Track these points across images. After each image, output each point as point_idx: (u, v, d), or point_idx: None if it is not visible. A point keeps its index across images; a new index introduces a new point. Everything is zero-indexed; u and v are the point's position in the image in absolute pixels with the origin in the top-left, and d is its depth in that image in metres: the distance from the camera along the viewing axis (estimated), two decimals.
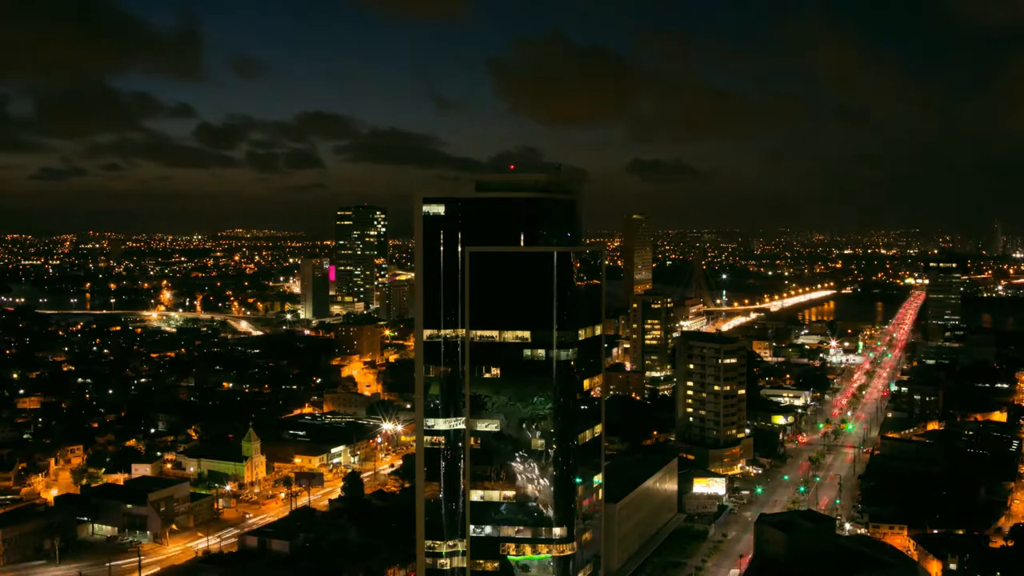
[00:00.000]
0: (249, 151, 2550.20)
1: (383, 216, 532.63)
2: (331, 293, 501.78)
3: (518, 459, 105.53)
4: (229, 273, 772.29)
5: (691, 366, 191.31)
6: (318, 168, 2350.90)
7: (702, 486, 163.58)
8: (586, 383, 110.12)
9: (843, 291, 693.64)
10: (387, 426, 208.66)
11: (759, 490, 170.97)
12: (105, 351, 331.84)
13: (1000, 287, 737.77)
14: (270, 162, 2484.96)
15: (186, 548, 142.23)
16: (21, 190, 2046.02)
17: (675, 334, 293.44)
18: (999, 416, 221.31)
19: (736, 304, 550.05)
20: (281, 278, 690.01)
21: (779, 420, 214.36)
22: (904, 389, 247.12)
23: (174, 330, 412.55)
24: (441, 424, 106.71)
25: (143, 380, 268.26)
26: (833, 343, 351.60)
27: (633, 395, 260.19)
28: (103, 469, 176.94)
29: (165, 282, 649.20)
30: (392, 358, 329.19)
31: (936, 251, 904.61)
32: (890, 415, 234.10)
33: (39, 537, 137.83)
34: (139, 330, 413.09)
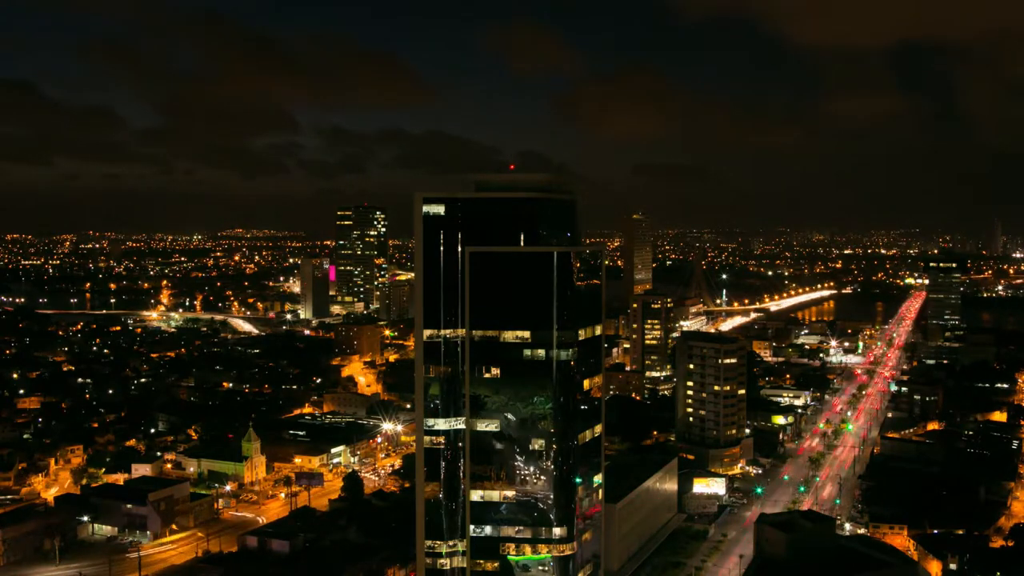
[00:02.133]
0: (304, 158, 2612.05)
1: (383, 216, 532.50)
2: (331, 293, 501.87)
3: (518, 459, 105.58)
4: (229, 273, 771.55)
5: (691, 366, 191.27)
6: (365, 174, 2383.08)
7: (702, 486, 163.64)
8: (586, 383, 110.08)
9: (843, 291, 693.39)
10: (387, 426, 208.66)
11: (759, 490, 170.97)
12: (105, 351, 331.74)
13: (1000, 287, 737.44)
14: (320, 168, 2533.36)
15: (186, 548, 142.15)
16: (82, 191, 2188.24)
17: (675, 334, 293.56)
18: (999, 416, 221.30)
19: (736, 304, 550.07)
20: (281, 278, 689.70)
21: (779, 420, 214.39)
22: (904, 389, 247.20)
23: (174, 330, 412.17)
24: (441, 424, 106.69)
25: (143, 380, 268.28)
26: (833, 343, 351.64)
27: (633, 395, 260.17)
28: (103, 469, 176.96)
29: (165, 282, 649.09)
30: (392, 358, 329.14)
31: (936, 251, 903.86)
32: (890, 415, 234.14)
33: (39, 537, 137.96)
34: (139, 330, 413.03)
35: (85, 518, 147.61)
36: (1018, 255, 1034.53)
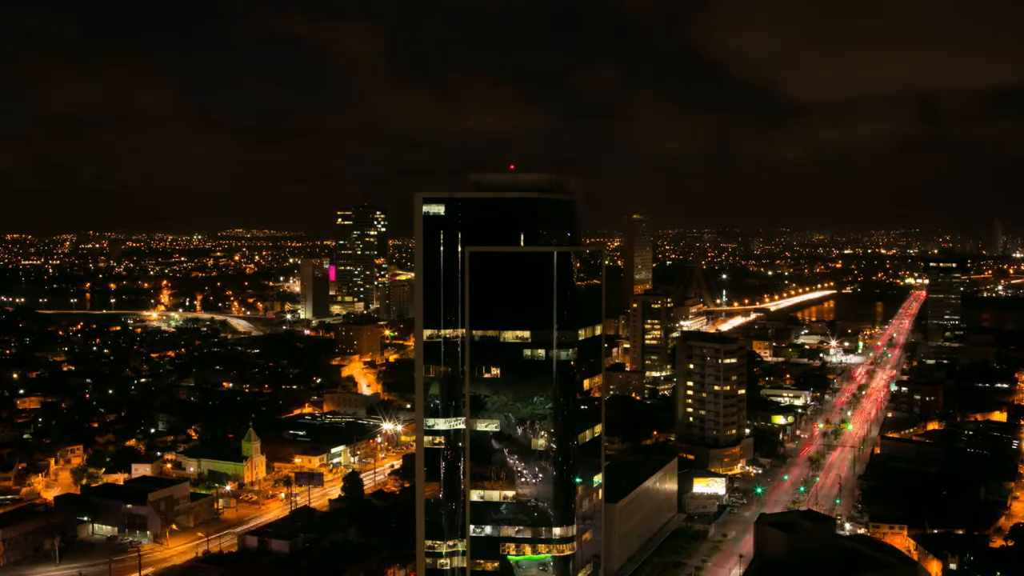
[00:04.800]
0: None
1: (383, 216, 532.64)
2: (331, 293, 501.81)
3: (518, 459, 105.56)
4: (229, 273, 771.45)
5: (691, 366, 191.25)
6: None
7: (702, 486, 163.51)
8: (586, 383, 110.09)
9: (843, 291, 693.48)
10: (387, 426, 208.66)
11: (759, 490, 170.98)
12: (105, 351, 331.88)
13: (1000, 287, 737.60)
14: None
15: (186, 548, 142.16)
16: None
17: (675, 334, 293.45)
18: (999, 416, 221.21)
19: (736, 304, 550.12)
20: (281, 278, 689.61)
21: (779, 420, 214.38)
22: (904, 389, 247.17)
23: (174, 330, 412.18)
24: (441, 424, 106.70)
25: (143, 380, 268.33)
26: (833, 343, 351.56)
27: (633, 395, 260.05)
28: (103, 469, 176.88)
29: (165, 282, 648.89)
30: (392, 358, 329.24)
31: (936, 251, 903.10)
32: (890, 415, 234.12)
33: (39, 537, 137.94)
34: (139, 330, 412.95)
35: (85, 518, 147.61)
36: (1018, 255, 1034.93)
